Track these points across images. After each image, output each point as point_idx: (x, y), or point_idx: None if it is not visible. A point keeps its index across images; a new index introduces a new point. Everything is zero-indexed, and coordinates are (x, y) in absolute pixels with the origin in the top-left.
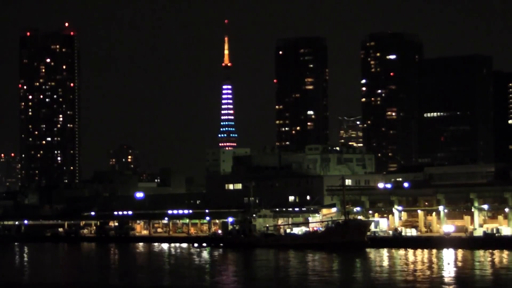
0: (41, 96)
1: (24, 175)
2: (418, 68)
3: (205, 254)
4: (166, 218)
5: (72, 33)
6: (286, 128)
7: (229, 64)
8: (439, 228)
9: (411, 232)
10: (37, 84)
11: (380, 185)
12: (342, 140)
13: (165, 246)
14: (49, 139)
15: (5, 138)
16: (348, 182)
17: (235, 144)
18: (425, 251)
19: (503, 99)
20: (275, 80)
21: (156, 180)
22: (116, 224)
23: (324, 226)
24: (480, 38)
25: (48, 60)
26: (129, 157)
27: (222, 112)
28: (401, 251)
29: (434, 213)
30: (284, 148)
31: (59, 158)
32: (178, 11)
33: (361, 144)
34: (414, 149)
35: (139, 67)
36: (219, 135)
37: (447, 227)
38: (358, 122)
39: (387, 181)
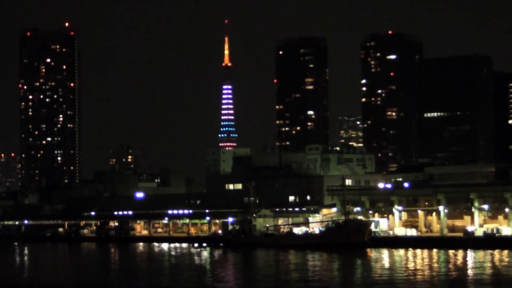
0: (41, 96)
1: (24, 175)
2: (418, 68)
3: (205, 254)
4: (166, 218)
5: (72, 33)
6: (286, 128)
7: (229, 64)
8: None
9: (412, 232)
10: (37, 84)
11: (380, 185)
12: (342, 140)
13: (165, 246)
14: (49, 139)
15: (5, 138)
16: (348, 182)
17: (235, 144)
18: (425, 251)
19: (503, 99)
20: (275, 80)
21: (156, 180)
22: (116, 224)
23: (324, 226)
24: (480, 38)
25: (48, 60)
26: (129, 157)
27: (222, 112)
28: (401, 251)
29: (434, 213)
30: (284, 148)
31: (59, 158)
32: (178, 11)
33: (361, 144)
34: (414, 149)
35: (139, 67)
36: (219, 135)
37: (471, 228)
38: (358, 122)
39: (387, 181)
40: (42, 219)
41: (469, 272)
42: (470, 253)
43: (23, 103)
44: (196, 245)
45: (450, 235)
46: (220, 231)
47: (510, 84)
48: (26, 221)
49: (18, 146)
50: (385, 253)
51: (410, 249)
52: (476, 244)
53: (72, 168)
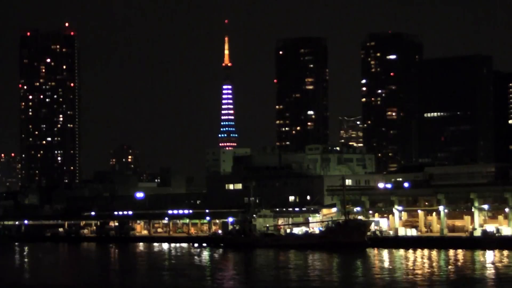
0: (41, 96)
1: (24, 175)
2: (418, 68)
3: (205, 254)
4: (166, 218)
5: (72, 33)
6: (286, 128)
7: (229, 64)
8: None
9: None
10: (37, 84)
11: (380, 185)
12: (342, 140)
13: (165, 246)
14: (49, 139)
15: (5, 138)
16: (348, 182)
17: (235, 144)
18: (425, 251)
19: (503, 99)
20: (275, 80)
21: (156, 180)
22: (116, 224)
23: (324, 226)
24: (480, 38)
25: (48, 60)
26: (129, 157)
27: (222, 112)
28: (401, 251)
29: (434, 213)
30: (284, 148)
31: (59, 158)
32: (178, 11)
33: (361, 144)
34: (414, 149)
35: (139, 67)
36: (219, 135)
37: (490, 227)
38: (358, 122)
39: (387, 181)
40: (42, 219)
41: (469, 272)
42: (470, 253)
43: (23, 103)
44: (196, 245)
45: (451, 235)
46: (220, 231)
47: (510, 84)
48: (26, 221)
49: (18, 146)
50: (385, 253)
51: (410, 249)
52: (476, 244)
53: (72, 168)
